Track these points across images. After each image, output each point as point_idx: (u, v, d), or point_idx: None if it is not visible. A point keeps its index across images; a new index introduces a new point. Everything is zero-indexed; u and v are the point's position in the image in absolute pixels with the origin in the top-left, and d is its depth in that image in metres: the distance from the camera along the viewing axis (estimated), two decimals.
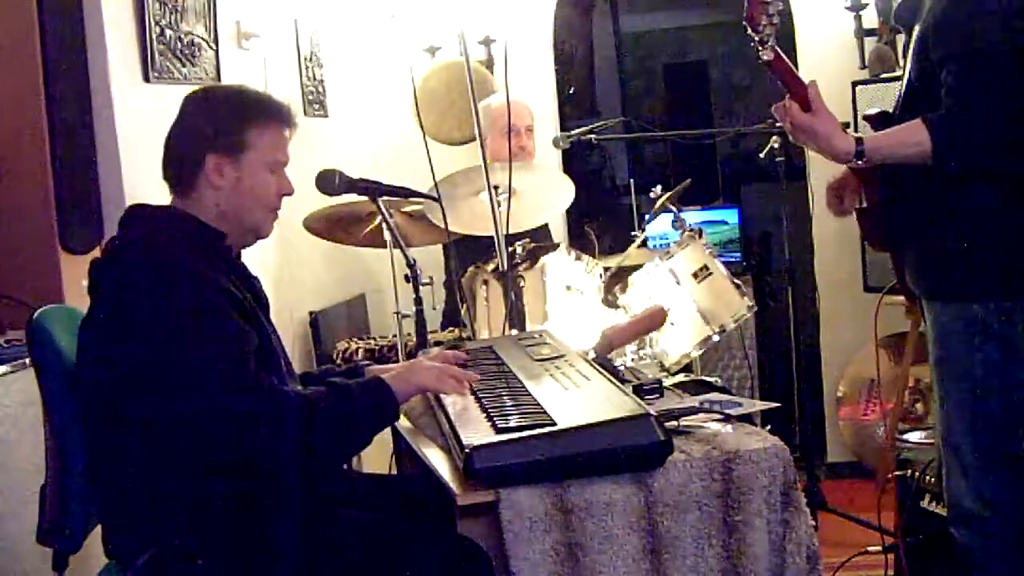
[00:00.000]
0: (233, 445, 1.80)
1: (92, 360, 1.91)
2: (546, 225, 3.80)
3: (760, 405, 2.35)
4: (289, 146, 2.11)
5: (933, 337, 2.28)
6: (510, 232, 2.85)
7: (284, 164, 2.09)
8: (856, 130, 3.07)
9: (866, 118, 2.41)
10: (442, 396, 2.05)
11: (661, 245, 4.70)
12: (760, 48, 2.12)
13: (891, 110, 2.36)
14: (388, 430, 2.36)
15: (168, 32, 3.12)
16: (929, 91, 2.18)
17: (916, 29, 2.23)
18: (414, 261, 2.74)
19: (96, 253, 2.82)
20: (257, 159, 2.03)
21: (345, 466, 2.64)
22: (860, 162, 2.17)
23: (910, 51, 2.27)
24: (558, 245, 3.07)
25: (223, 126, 2.02)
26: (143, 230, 1.98)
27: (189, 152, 2.01)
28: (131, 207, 2.05)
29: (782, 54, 2.16)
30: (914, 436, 3.12)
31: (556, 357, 2.21)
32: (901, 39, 3.70)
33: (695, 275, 2.95)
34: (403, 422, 2.21)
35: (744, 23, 2.11)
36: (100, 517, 1.96)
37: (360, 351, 3.48)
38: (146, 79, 3.02)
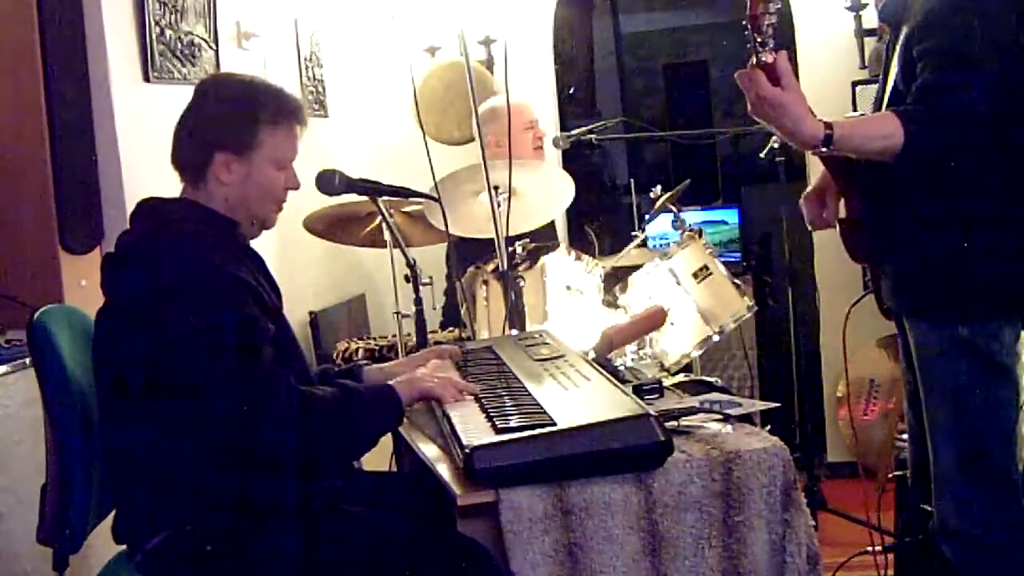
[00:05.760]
0: (236, 438, 1.81)
1: (108, 350, 1.93)
2: (552, 223, 3.77)
3: (760, 405, 2.36)
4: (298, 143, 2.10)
5: (916, 357, 2.23)
6: (512, 234, 2.84)
7: (292, 160, 2.08)
8: None
9: None
10: None
11: (661, 245, 4.70)
12: (760, 50, 2.00)
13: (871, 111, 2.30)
14: None
15: (168, 32, 3.12)
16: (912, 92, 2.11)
17: (904, 28, 2.16)
18: (414, 261, 2.74)
19: (96, 253, 2.82)
20: (266, 157, 2.02)
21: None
22: (825, 150, 2.04)
23: (895, 51, 2.20)
24: (558, 245, 3.07)
25: (234, 123, 2.01)
26: (154, 223, 1.98)
27: (199, 146, 2.01)
28: (142, 201, 2.04)
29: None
30: None
31: (556, 357, 2.20)
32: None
33: (695, 275, 2.95)
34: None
35: (745, 23, 2.01)
36: (114, 500, 1.98)
37: (360, 351, 3.48)
38: (146, 79, 3.02)
